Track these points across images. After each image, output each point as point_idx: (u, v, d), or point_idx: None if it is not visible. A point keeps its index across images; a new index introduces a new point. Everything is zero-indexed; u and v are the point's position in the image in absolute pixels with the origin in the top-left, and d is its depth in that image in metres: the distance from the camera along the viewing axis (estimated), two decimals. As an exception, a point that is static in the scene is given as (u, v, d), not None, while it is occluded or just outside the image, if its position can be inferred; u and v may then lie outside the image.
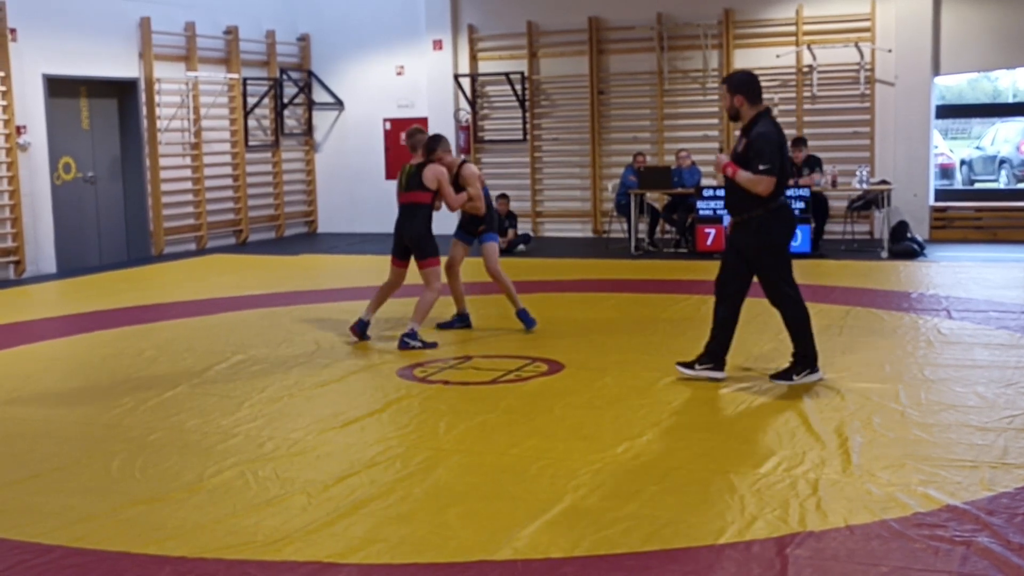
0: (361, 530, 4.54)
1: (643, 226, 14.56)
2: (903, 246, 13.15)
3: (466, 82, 16.95)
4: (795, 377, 6.81)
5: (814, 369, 6.86)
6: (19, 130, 13.21)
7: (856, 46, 14.86)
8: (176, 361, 8.08)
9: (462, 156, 8.73)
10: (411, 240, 8.51)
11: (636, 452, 5.52)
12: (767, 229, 6.71)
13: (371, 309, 8.69)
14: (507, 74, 16.52)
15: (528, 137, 16.75)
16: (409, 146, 8.66)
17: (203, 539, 4.49)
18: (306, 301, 10.79)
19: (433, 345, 8.29)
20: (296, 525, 4.61)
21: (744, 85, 6.71)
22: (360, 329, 8.58)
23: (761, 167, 6.57)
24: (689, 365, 7.02)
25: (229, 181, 16.60)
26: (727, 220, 7.13)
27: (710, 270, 12.26)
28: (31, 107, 13.38)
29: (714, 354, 6.95)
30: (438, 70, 17.07)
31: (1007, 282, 10.79)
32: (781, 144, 6.70)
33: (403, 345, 8.22)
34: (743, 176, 6.63)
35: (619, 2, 16.08)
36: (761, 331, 8.54)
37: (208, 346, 8.62)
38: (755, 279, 6.88)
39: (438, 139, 8.61)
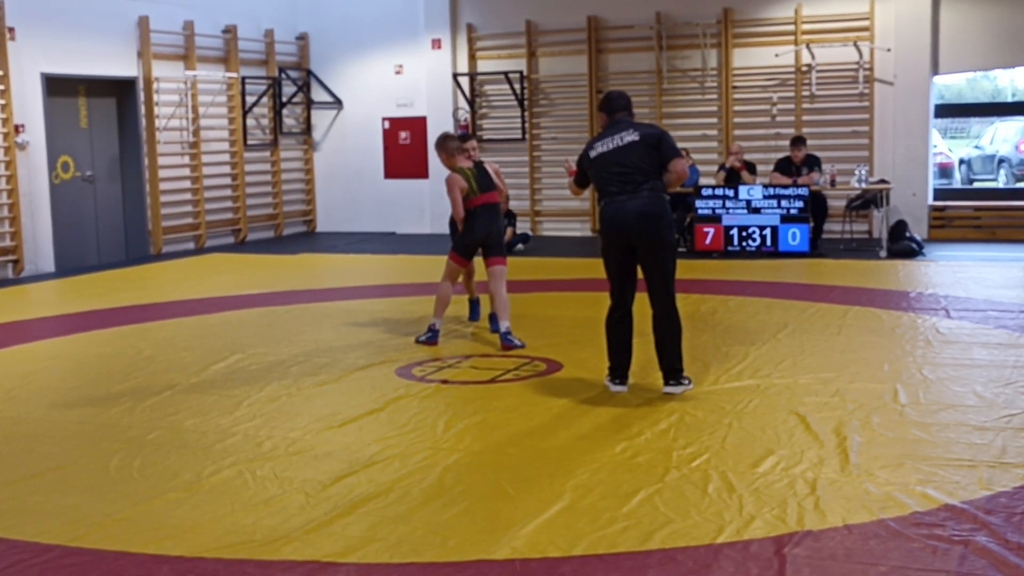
0: (359, 529, 4.54)
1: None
2: (902, 245, 13.15)
3: (465, 81, 16.94)
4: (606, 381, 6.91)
5: (613, 381, 6.83)
6: (18, 129, 13.21)
7: (855, 45, 14.86)
8: (174, 360, 8.08)
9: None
10: (499, 236, 8.57)
11: (634, 451, 5.52)
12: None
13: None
14: (506, 73, 16.52)
15: (527, 136, 16.75)
16: (451, 152, 8.46)
17: (201, 538, 4.49)
18: (305, 300, 10.79)
19: (522, 344, 8.26)
20: (294, 524, 4.61)
21: (599, 105, 7.03)
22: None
23: None
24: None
25: (228, 180, 16.60)
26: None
27: (708, 270, 12.33)
28: (30, 106, 13.38)
29: (661, 368, 6.84)
30: (437, 69, 17.07)
31: (1006, 281, 10.80)
32: (581, 157, 6.91)
33: (509, 344, 8.20)
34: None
35: (618, 1, 16.08)
36: (760, 331, 8.55)
37: (207, 345, 8.61)
38: (662, 286, 6.81)
39: (453, 136, 8.75)
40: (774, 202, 13.30)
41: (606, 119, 6.90)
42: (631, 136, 6.69)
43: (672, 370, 6.70)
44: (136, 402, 6.84)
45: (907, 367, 7.21)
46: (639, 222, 6.55)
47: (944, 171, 20.68)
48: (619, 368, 6.84)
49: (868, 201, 14.02)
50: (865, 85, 14.94)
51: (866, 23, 14.89)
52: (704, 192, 13.64)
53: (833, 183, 13.77)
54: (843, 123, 15.19)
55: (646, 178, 6.62)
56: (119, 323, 9.73)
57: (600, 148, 6.76)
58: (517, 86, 16.52)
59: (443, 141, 8.55)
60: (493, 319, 8.76)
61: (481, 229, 8.38)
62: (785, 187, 13.39)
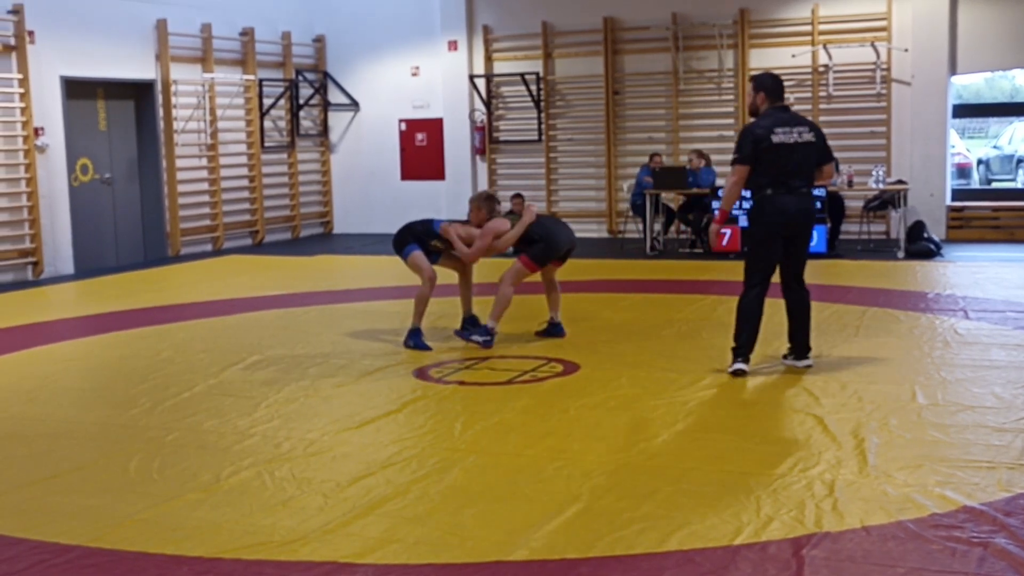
0: (377, 530, 4.56)
1: (658, 226, 14.55)
2: (920, 246, 13.10)
3: (481, 83, 16.96)
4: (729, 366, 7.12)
5: (741, 360, 7.05)
6: (37, 132, 13.29)
7: (872, 45, 14.82)
8: (193, 362, 8.11)
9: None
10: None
11: (651, 453, 5.52)
12: (750, 218, 7.18)
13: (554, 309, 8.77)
14: (522, 74, 16.52)
15: (543, 137, 16.76)
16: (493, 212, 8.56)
17: (220, 539, 4.51)
18: (322, 302, 10.82)
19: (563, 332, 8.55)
20: (312, 525, 4.63)
21: (763, 83, 7.15)
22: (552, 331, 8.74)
23: (733, 156, 7.08)
24: (785, 356, 7.41)
25: (245, 182, 16.66)
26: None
27: (725, 270, 12.30)
28: (49, 109, 13.46)
29: (796, 346, 7.36)
30: (453, 71, 17.10)
31: (1025, 282, 10.74)
32: (756, 136, 6.95)
33: (561, 332, 8.54)
34: (723, 192, 7.31)
35: (634, 2, 16.07)
36: (778, 332, 8.52)
37: (225, 347, 8.65)
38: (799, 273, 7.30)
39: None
40: (791, 203, 13.24)
41: (764, 99, 7.04)
42: (808, 135, 6.99)
43: (806, 346, 7.24)
44: (155, 403, 6.87)
45: (925, 368, 7.19)
46: (799, 217, 7.05)
47: (962, 171, 20.57)
48: (749, 345, 7.10)
49: (885, 202, 13.97)
50: (882, 85, 14.89)
51: (883, 23, 14.85)
52: (721, 193, 13.60)
53: (850, 184, 13.72)
54: (860, 124, 15.14)
55: (809, 178, 7.08)
56: (137, 325, 9.77)
57: (782, 136, 6.93)
58: (533, 87, 16.53)
59: (488, 200, 8.56)
60: (473, 322, 8.75)
61: (564, 237, 8.49)
62: (802, 188, 13.34)
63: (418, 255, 8.44)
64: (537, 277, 8.65)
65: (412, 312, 8.45)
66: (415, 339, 8.34)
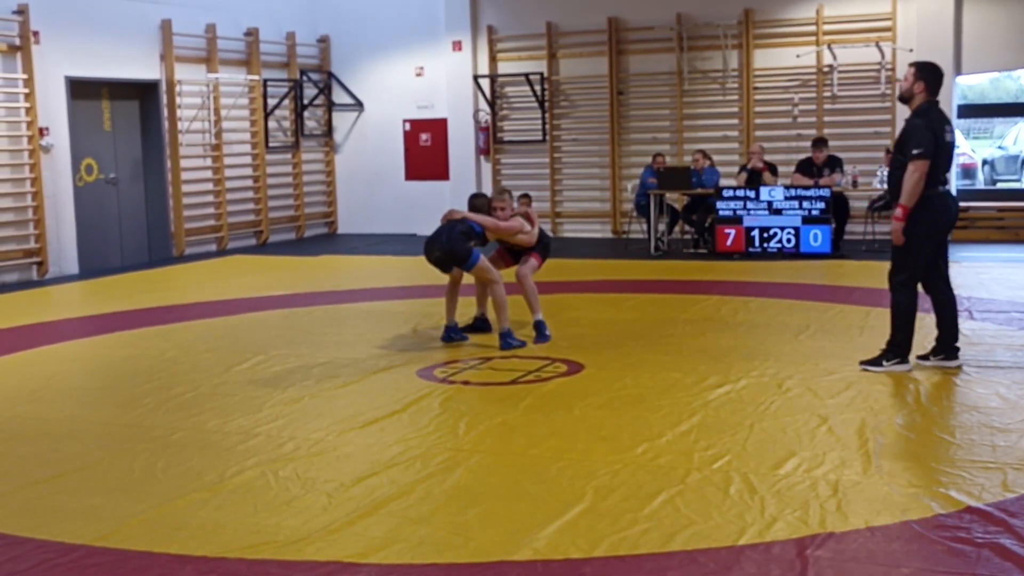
0: (381, 530, 4.56)
1: (662, 227, 14.55)
2: (924, 246, 13.07)
3: (485, 83, 16.97)
4: (884, 363, 7.06)
5: (904, 360, 7.05)
6: (42, 132, 13.31)
7: (877, 46, 14.80)
8: (197, 362, 8.12)
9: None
10: None
11: (655, 453, 5.52)
12: (914, 215, 6.96)
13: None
14: (526, 75, 16.53)
15: (547, 138, 16.76)
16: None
17: (224, 539, 4.51)
18: (326, 302, 10.83)
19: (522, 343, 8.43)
20: (317, 525, 4.63)
21: (926, 75, 7.00)
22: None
23: (914, 151, 6.82)
24: (924, 357, 7.22)
25: (249, 182, 16.68)
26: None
27: (730, 271, 12.31)
28: (54, 109, 13.48)
29: (942, 343, 7.23)
30: (458, 71, 17.10)
31: (1029, 283, 10.72)
32: (935, 132, 6.90)
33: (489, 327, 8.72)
34: (905, 188, 6.91)
35: (638, 2, 16.07)
36: (781, 333, 8.52)
37: (229, 346, 8.65)
38: (947, 266, 7.36)
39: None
40: (795, 203, 13.27)
41: (923, 90, 6.97)
42: (952, 135, 7.04)
43: (953, 346, 7.16)
44: (159, 403, 6.88)
45: (929, 368, 7.18)
46: (957, 215, 7.21)
47: (967, 172, 20.55)
48: (910, 344, 7.07)
49: (890, 202, 13.93)
50: (887, 86, 14.88)
51: (888, 23, 14.83)
52: (725, 193, 13.62)
53: (855, 184, 13.72)
54: (865, 124, 15.13)
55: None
56: (142, 325, 9.78)
57: (949, 136, 6.99)
58: (537, 88, 16.53)
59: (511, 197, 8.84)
60: (489, 322, 8.81)
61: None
62: (807, 188, 13.35)
63: (485, 260, 8.46)
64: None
65: (497, 318, 8.38)
66: (511, 339, 8.28)
